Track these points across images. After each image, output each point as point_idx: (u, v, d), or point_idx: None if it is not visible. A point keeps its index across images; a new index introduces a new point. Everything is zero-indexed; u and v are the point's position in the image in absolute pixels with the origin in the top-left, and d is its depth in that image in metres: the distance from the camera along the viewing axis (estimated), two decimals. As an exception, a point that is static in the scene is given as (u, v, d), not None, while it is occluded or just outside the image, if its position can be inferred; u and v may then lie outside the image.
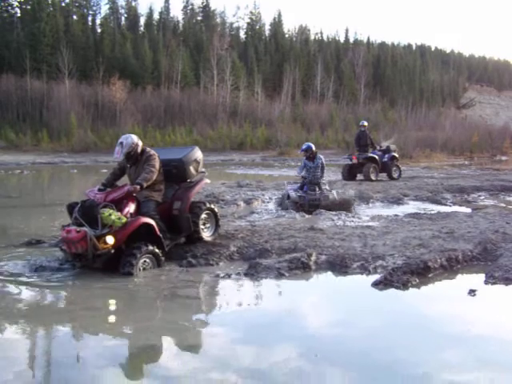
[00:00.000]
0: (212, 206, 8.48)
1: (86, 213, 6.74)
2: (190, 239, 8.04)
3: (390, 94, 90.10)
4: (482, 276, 6.57)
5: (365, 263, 7.02)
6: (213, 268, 7.17)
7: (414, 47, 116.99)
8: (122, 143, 7.34)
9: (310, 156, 12.59)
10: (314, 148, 12.76)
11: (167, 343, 4.72)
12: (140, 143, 7.49)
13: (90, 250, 6.40)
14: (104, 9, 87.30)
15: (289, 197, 12.27)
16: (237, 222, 10.25)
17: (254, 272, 6.74)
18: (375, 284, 6.23)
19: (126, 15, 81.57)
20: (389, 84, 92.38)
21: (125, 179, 7.72)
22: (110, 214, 6.55)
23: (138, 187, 7.04)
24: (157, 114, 60.89)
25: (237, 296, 6.07)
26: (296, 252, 7.48)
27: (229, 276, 6.74)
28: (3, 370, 4.11)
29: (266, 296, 6.17)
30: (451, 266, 6.96)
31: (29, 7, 63.59)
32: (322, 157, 12.79)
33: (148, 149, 7.60)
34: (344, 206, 11.96)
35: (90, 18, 75.20)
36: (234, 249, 7.81)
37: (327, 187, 12.83)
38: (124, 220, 6.65)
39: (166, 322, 5.26)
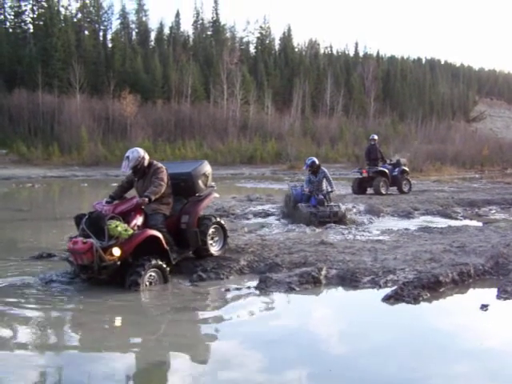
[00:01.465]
0: (220, 220, 8.45)
1: (93, 224, 6.74)
2: (198, 254, 8.03)
3: (400, 107, 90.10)
4: (494, 291, 6.51)
5: (375, 277, 6.98)
6: (223, 282, 7.17)
7: (423, 61, 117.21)
8: (128, 157, 7.38)
9: (314, 170, 12.74)
10: (317, 162, 12.95)
11: (177, 359, 4.70)
12: (147, 156, 7.52)
13: (96, 261, 6.39)
14: (115, 24, 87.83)
15: (297, 207, 12.32)
16: (247, 236, 10.23)
17: (264, 286, 6.72)
18: (386, 299, 6.18)
19: (136, 30, 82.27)
20: (398, 97, 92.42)
21: (133, 192, 7.75)
22: (117, 226, 6.55)
23: (147, 200, 7.06)
24: (167, 128, 61.19)
25: (247, 310, 6.05)
26: (306, 266, 7.45)
27: (239, 290, 6.73)
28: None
29: (277, 310, 6.15)
30: (463, 281, 6.90)
31: (41, 23, 64.33)
32: (325, 170, 12.98)
33: (155, 162, 7.63)
34: (337, 218, 12.11)
35: (101, 33, 75.88)
36: (245, 263, 7.80)
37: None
38: (130, 232, 6.65)
39: (177, 337, 5.25)
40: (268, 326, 5.55)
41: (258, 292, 6.62)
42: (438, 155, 43.08)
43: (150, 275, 6.76)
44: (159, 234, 6.98)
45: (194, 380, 4.22)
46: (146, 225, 7.13)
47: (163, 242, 7.01)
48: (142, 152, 7.47)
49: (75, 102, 57.85)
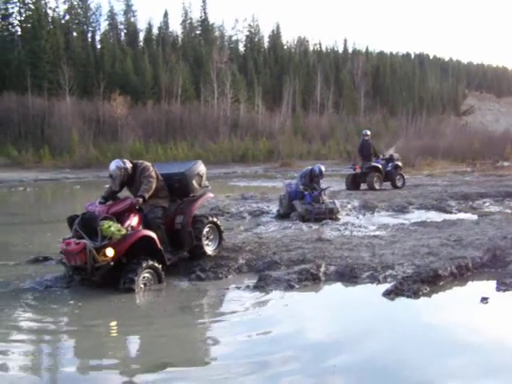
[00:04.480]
0: (215, 220, 8.35)
1: (86, 225, 6.69)
2: (194, 254, 7.94)
3: (390, 102, 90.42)
4: (493, 283, 6.52)
5: (374, 273, 6.98)
6: (222, 281, 7.14)
7: (412, 56, 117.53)
8: (111, 176, 7.37)
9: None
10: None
11: (177, 360, 4.66)
12: (128, 165, 7.41)
13: (89, 262, 6.33)
14: (103, 25, 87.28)
15: (294, 208, 12.35)
16: (243, 235, 10.19)
17: (263, 284, 6.69)
18: (386, 294, 6.18)
19: (125, 31, 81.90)
20: (388, 93, 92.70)
21: (124, 193, 7.70)
22: (110, 226, 6.50)
23: (141, 200, 7.05)
24: (158, 128, 61.13)
25: (247, 309, 6.01)
26: (305, 263, 7.43)
27: (238, 289, 6.71)
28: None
29: (276, 308, 6.10)
30: (461, 274, 6.91)
31: (29, 25, 63.94)
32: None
33: (139, 163, 7.55)
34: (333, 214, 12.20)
35: (89, 35, 75.48)
36: (243, 261, 7.78)
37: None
38: (123, 232, 6.60)
39: (176, 338, 5.20)
40: (268, 324, 5.51)
41: (257, 290, 6.59)
42: (430, 150, 43.10)
43: (144, 277, 6.69)
44: (153, 234, 6.93)
45: (192, 382, 4.19)
46: (143, 221, 7.12)
47: (157, 242, 6.96)
48: (120, 163, 7.37)
49: (65, 104, 57.61)
